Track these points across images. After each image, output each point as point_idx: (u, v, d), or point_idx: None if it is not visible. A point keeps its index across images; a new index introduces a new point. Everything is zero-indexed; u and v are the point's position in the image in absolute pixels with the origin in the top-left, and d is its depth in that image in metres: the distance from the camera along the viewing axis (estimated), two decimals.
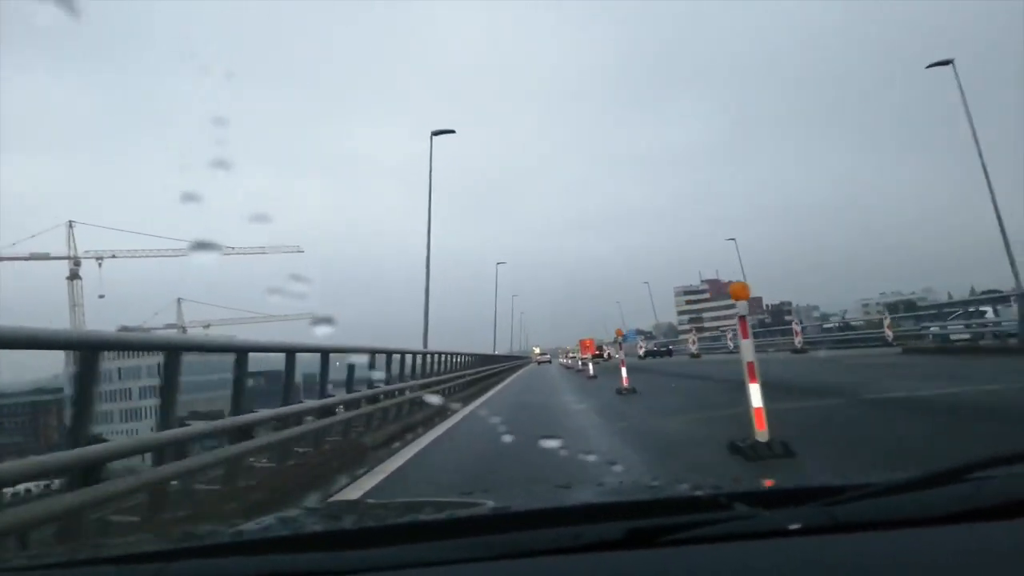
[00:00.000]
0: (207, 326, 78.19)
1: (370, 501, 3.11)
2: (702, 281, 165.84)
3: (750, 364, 4.89)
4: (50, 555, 1.00)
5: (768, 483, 1.28)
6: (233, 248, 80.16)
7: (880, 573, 0.74)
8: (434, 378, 13.55)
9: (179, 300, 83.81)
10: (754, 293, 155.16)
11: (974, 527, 0.81)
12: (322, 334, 1.24)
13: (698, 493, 1.00)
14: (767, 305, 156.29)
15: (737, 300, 5.28)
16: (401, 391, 9.53)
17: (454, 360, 17.09)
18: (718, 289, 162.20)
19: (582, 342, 29.81)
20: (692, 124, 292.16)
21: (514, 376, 29.49)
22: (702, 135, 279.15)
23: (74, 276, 70.92)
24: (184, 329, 74.56)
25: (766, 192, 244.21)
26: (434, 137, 22.03)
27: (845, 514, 0.84)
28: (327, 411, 6.72)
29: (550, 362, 63.33)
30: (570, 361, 37.55)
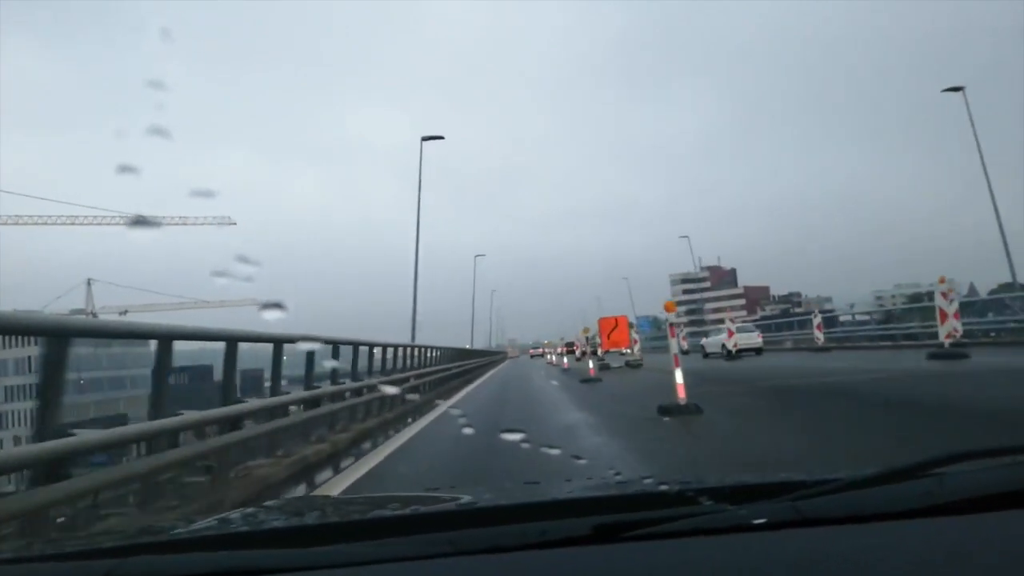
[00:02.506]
0: (124, 312, 75.43)
1: (335, 496, 3.93)
2: (701, 268, 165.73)
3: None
4: (3, 552, 1.05)
5: (734, 478, 1.36)
6: (149, 218, 78.36)
7: (845, 568, 0.80)
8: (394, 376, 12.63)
9: (89, 281, 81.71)
10: (760, 283, 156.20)
11: (938, 522, 0.90)
12: (272, 319, 1.19)
13: (663, 488, 1.09)
14: (774, 296, 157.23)
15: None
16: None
17: (413, 355, 15.24)
18: (720, 276, 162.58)
19: (606, 322, 23.04)
20: (692, 115, 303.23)
21: (473, 385, 27.29)
22: (702, 126, 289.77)
23: None
24: (94, 315, 71.59)
25: (768, 184, 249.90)
26: (424, 141, 24.26)
27: (810, 509, 0.93)
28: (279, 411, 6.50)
29: (543, 356, 65.89)
30: (555, 358, 36.00)
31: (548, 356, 39.23)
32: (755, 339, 27.27)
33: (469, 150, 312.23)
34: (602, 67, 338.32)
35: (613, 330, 21.84)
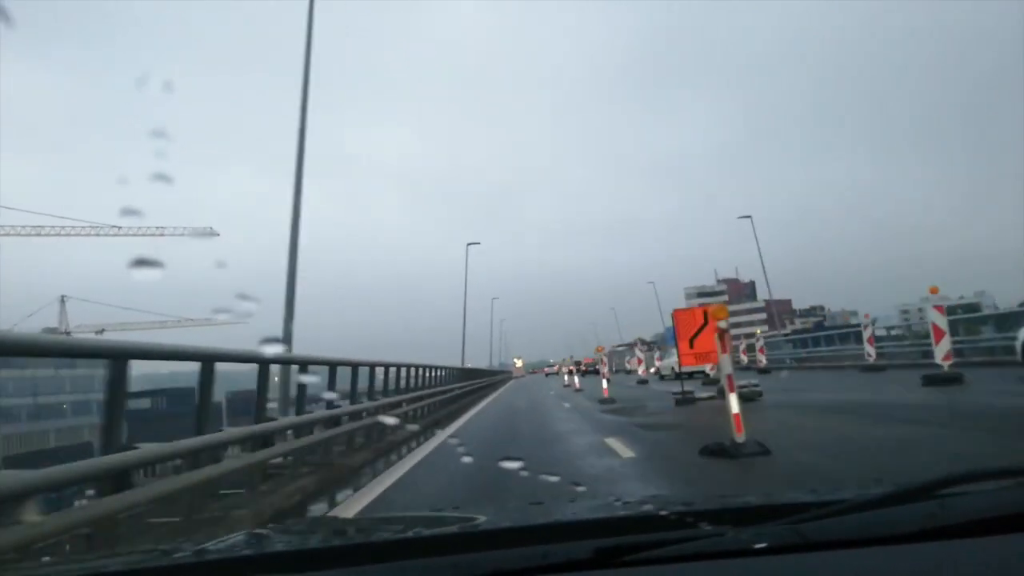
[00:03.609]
0: (100, 331, 74.74)
1: (340, 518, 4.05)
2: (718, 280, 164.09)
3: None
4: (11, 571, 1.24)
5: (736, 501, 1.41)
6: (121, 229, 76.99)
7: None
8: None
9: (62, 298, 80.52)
10: (779, 297, 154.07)
11: (941, 545, 0.92)
12: (271, 352, 2.37)
13: (663, 512, 1.12)
14: (796, 310, 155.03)
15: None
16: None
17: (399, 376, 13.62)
18: (738, 289, 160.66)
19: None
20: (702, 127, 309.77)
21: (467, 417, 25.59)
22: (713, 138, 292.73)
23: None
24: (68, 334, 70.91)
25: (784, 197, 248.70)
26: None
27: (812, 532, 0.96)
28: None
29: (559, 374, 66.81)
30: (577, 379, 34.25)
31: (570, 376, 36.99)
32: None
33: (474, 165, 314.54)
34: (611, 82, 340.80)
35: (699, 332, 13.86)
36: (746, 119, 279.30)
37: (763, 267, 38.75)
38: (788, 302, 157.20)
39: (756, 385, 13.43)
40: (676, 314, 14.90)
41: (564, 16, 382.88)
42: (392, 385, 13.02)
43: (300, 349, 11.09)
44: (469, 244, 27.59)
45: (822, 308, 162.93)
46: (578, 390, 26.97)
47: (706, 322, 14.61)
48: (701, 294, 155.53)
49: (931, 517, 0.95)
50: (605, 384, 17.80)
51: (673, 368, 27.57)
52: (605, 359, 21.33)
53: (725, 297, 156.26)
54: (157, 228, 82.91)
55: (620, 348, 79.80)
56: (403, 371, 14.24)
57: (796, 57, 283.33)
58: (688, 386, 14.84)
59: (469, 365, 50.92)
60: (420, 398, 14.77)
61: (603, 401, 17.05)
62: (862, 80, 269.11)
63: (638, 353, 29.03)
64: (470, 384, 25.36)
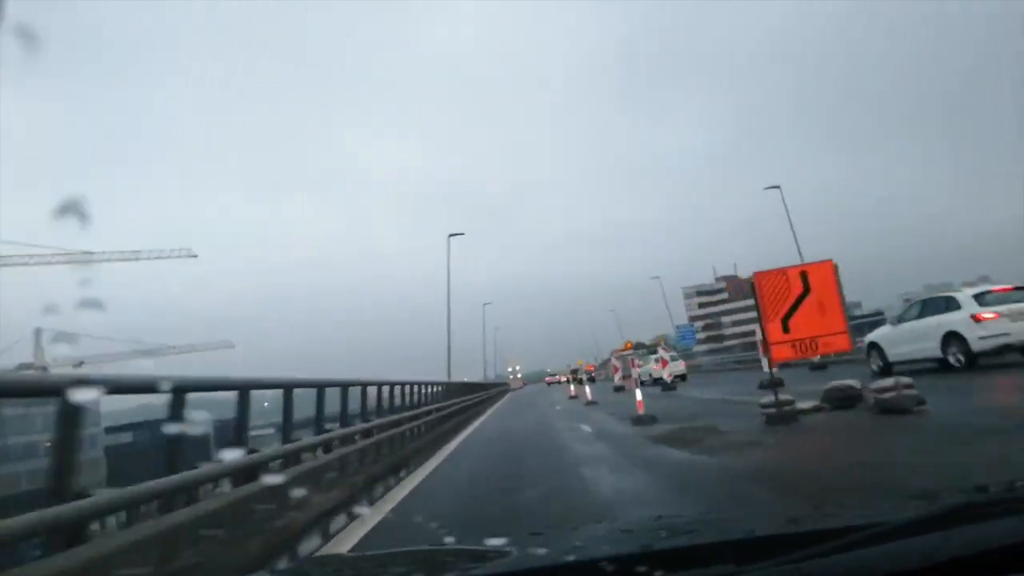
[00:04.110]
0: (79, 364, 69.36)
1: (346, 555, 3.83)
2: (717, 279, 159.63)
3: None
4: None
5: (740, 530, 1.39)
6: (93, 254, 72.46)
7: None
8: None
9: (38, 331, 76.49)
10: None
11: None
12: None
13: (664, 546, 1.25)
14: None
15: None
16: None
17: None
18: (737, 287, 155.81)
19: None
20: (697, 127, 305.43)
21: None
22: (707, 139, 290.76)
23: None
24: (45, 369, 66.79)
25: (777, 193, 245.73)
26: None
27: (815, 570, 0.97)
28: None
29: (562, 383, 64.55)
30: (574, 388, 29.06)
31: (577, 386, 32.19)
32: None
33: (468, 172, 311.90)
34: (607, 84, 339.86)
35: (797, 305, 9.40)
36: (740, 118, 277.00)
37: (796, 240, 33.43)
38: None
39: (911, 388, 8.08)
40: (759, 279, 9.68)
41: (560, 18, 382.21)
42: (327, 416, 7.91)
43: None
44: (451, 235, 25.37)
45: None
46: (591, 403, 21.68)
47: (807, 290, 9.42)
48: (700, 292, 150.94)
49: (935, 551, 0.95)
50: (639, 395, 12.48)
51: (651, 374, 26.64)
52: (635, 361, 16.12)
53: (724, 295, 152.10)
54: (132, 252, 78.73)
55: (625, 353, 74.69)
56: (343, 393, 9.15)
57: (790, 55, 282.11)
58: (783, 393, 9.51)
59: (465, 379, 45.46)
60: (354, 437, 9.44)
61: (639, 420, 11.84)
62: (856, 74, 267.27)
63: (663, 354, 23.86)
64: (457, 402, 20.08)
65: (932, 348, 13.52)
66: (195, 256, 75.69)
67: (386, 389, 13.46)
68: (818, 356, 10.19)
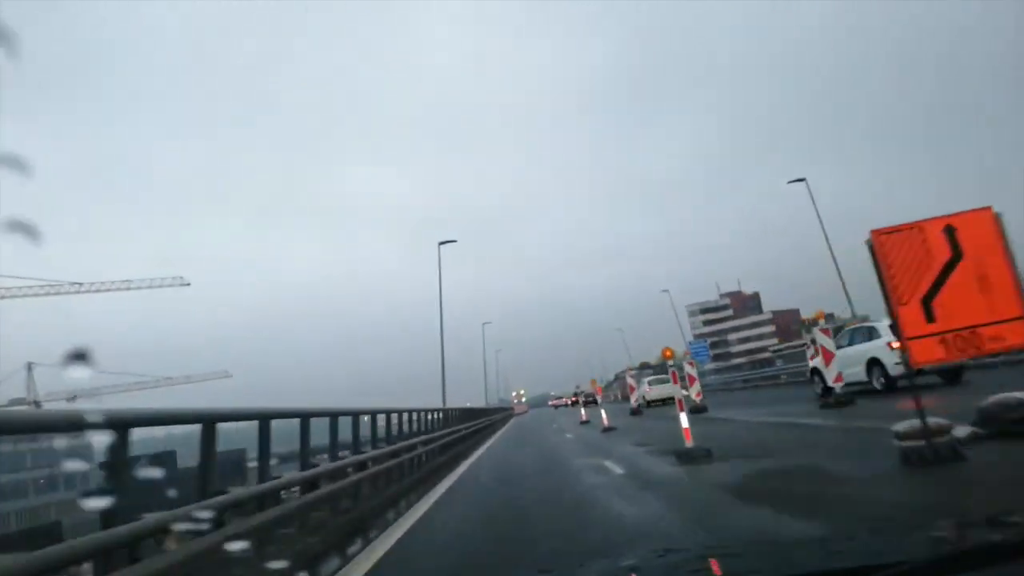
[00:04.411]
0: (72, 398, 67.43)
1: None
2: (721, 295, 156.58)
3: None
4: None
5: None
6: (82, 286, 69.75)
7: None
8: None
9: (29, 365, 74.30)
10: (785, 306, 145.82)
11: None
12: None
13: None
14: (805, 320, 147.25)
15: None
16: None
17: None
18: (742, 303, 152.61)
19: None
20: (686, 145, 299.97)
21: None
22: (699, 157, 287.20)
23: None
24: (38, 403, 65.08)
25: (778, 206, 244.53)
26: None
27: None
28: None
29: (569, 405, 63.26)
30: (584, 411, 25.77)
31: (587, 407, 29.42)
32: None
33: (462, 200, 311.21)
34: (595, 109, 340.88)
35: (946, 274, 6.15)
36: (737, 132, 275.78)
37: (825, 235, 30.13)
38: (795, 312, 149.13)
39: None
40: (881, 242, 6.25)
41: (547, 43, 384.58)
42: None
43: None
44: (442, 243, 23.78)
45: (831, 315, 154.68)
46: (608, 429, 18.36)
47: (957, 254, 6.16)
48: (705, 310, 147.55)
49: None
50: (684, 421, 9.17)
51: (644, 396, 26.72)
52: (691, 369, 12.97)
53: (729, 311, 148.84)
54: (123, 282, 75.99)
55: (633, 373, 69.65)
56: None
57: (789, 64, 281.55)
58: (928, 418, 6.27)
59: (468, 404, 42.04)
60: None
61: (688, 457, 8.60)
62: (846, 86, 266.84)
63: (690, 370, 20.43)
64: (449, 433, 16.80)
65: (860, 372, 15.16)
66: (187, 284, 73.09)
67: (366, 419, 10.33)
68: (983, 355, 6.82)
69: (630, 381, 27.06)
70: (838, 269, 28.92)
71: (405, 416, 13.60)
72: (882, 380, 14.56)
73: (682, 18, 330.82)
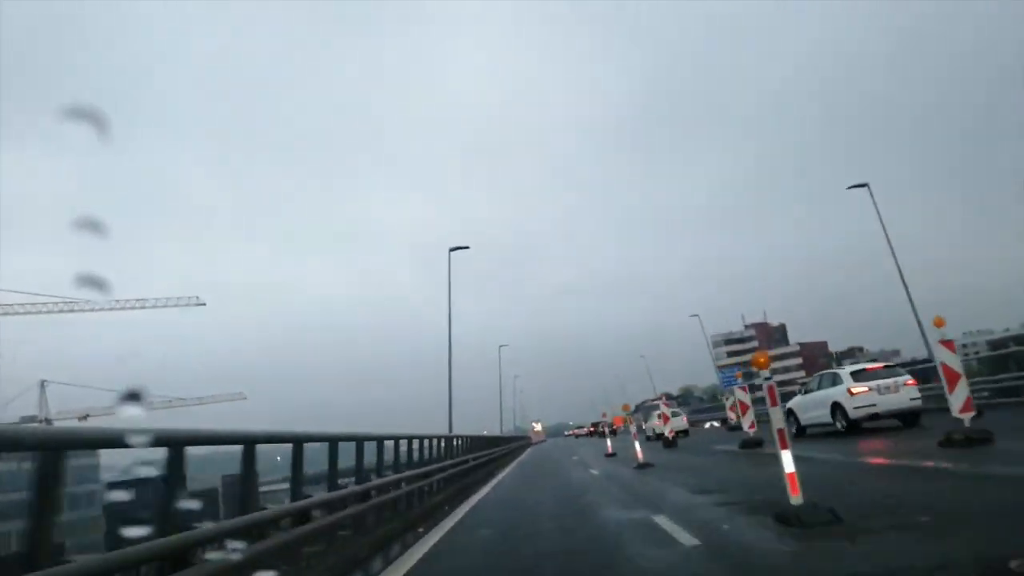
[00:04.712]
0: (84, 417, 66.32)
1: None
2: (746, 326, 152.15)
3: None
4: None
5: None
6: (96, 303, 68.14)
7: None
8: None
9: (42, 383, 72.61)
10: (811, 339, 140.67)
11: None
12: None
13: None
14: (834, 352, 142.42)
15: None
16: None
17: None
18: (767, 334, 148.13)
19: None
20: (707, 178, 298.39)
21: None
22: (721, 190, 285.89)
23: None
24: (49, 421, 64.41)
25: (804, 238, 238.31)
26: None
27: None
28: None
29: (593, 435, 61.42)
30: (609, 442, 22.51)
31: (611, 435, 26.79)
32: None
33: (482, 228, 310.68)
34: (618, 137, 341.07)
35: None
36: (763, 163, 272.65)
37: (889, 242, 26.79)
38: (824, 344, 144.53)
39: None
40: None
41: (572, 72, 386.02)
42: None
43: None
44: (452, 249, 22.95)
45: (860, 349, 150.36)
46: (643, 465, 15.03)
47: None
48: (729, 341, 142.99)
49: None
50: (789, 462, 5.95)
51: (654, 429, 28.12)
52: (743, 395, 9.87)
53: (754, 342, 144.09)
54: (138, 300, 74.19)
55: (653, 402, 64.67)
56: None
57: (802, 101, 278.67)
58: None
59: (485, 432, 38.50)
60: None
61: (801, 518, 5.39)
62: (878, 120, 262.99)
63: (741, 396, 17.17)
64: (453, 465, 13.65)
65: (825, 415, 16.01)
66: (203, 304, 71.04)
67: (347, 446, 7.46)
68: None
69: (664, 410, 23.63)
70: (910, 298, 25.56)
71: (393, 445, 10.53)
72: (843, 423, 15.58)
73: (712, 47, 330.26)
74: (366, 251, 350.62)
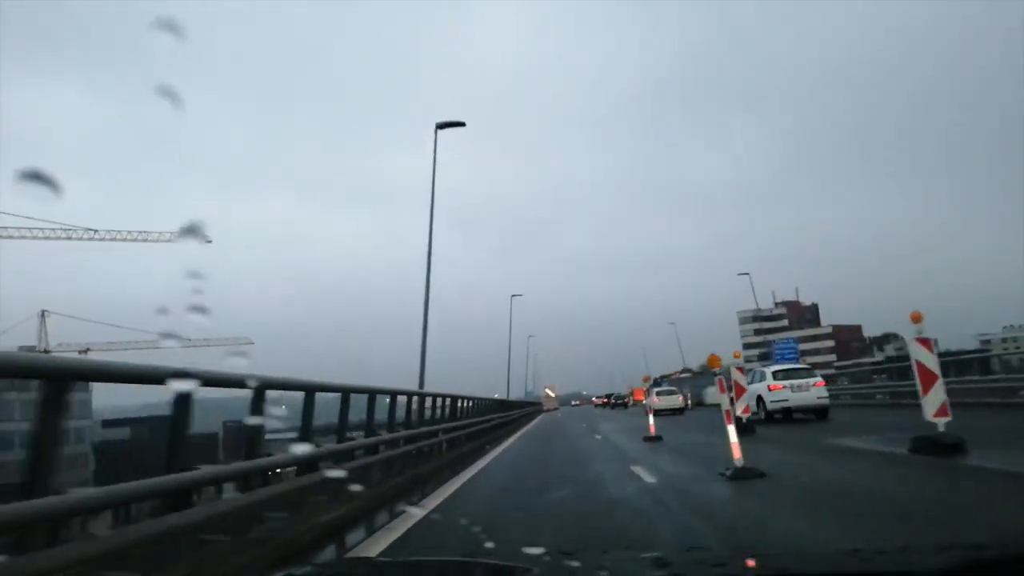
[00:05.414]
0: (85, 351, 67.75)
1: (370, 559, 3.98)
2: (776, 303, 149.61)
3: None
4: None
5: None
6: (96, 233, 68.44)
7: None
8: None
9: (43, 313, 74.08)
10: (835, 321, 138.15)
11: None
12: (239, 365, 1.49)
13: None
14: (868, 338, 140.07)
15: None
16: None
17: None
18: (798, 312, 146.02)
19: None
20: (746, 155, 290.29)
21: None
22: (753, 167, 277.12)
23: None
24: (48, 352, 62.73)
25: (840, 223, 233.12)
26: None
27: None
28: None
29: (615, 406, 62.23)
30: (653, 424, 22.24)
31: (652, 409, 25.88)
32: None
33: (507, 194, 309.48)
34: (651, 107, 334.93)
35: None
36: (800, 141, 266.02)
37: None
38: (858, 328, 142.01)
39: None
40: None
41: (603, 42, 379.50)
42: None
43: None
44: (439, 125, 21.02)
45: (896, 335, 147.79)
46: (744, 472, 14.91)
47: None
48: (757, 318, 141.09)
49: None
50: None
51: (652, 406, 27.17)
52: (740, 377, 9.35)
53: (784, 321, 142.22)
54: (140, 232, 74.42)
55: (684, 375, 61.31)
56: None
57: (835, 83, 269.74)
58: None
59: (496, 396, 36.02)
60: None
61: None
62: (925, 104, 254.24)
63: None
64: (448, 430, 13.64)
65: (754, 405, 18.88)
66: (209, 241, 70.89)
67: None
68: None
69: (736, 377, 18.55)
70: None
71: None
72: (763, 413, 19.03)
73: (749, 23, 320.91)
74: (385, 209, 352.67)
